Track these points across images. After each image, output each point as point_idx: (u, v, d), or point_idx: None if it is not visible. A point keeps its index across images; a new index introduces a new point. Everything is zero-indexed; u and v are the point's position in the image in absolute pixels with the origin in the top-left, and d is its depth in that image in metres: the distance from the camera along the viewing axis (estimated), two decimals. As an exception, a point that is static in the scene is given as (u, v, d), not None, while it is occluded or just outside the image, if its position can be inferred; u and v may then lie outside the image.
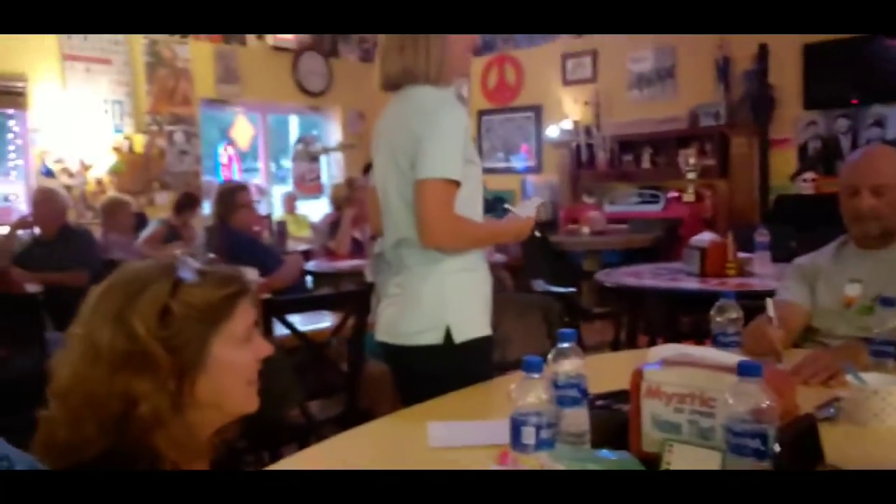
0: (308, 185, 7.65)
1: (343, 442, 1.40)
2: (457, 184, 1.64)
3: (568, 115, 7.04)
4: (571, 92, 7.09)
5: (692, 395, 1.07)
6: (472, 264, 1.74)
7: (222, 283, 1.03)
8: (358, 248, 4.39)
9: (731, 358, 1.09)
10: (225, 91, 6.86)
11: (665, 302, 3.12)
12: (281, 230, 6.04)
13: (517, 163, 7.50)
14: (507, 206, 1.96)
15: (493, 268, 4.41)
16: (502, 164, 7.57)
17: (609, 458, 1.02)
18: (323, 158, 7.76)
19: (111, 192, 5.79)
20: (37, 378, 0.98)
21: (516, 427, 1.00)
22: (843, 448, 1.16)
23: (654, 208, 6.28)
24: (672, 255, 4.90)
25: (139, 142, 6.31)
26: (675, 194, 6.24)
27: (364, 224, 4.35)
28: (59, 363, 0.96)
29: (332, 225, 4.71)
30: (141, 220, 5.59)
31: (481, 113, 7.75)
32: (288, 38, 7.06)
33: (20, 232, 4.34)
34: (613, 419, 1.19)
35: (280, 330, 2.33)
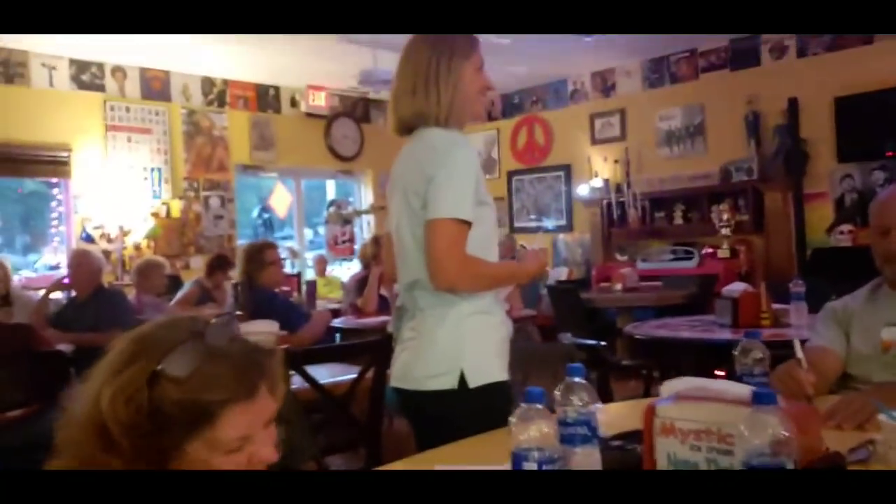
0: (340, 248, 7.73)
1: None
2: (468, 224, 1.62)
3: (597, 173, 7.05)
4: (601, 151, 7.11)
5: (709, 431, 1.01)
6: (487, 307, 1.70)
7: (210, 385, 0.90)
8: (385, 306, 4.37)
9: (748, 389, 1.03)
10: (260, 157, 7.05)
11: (697, 354, 3.01)
12: (311, 290, 6.06)
13: (548, 223, 7.49)
14: (522, 244, 1.93)
15: (522, 322, 4.36)
16: (533, 224, 7.56)
17: None
18: (356, 221, 7.86)
19: (146, 256, 5.91)
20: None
21: (518, 462, 0.95)
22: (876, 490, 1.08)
23: (689, 265, 6.17)
24: (706, 310, 4.78)
25: (176, 207, 6.48)
26: (710, 250, 6.15)
27: (391, 282, 4.36)
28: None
29: (360, 283, 4.72)
30: (175, 283, 5.67)
31: (511, 174, 7.81)
32: (321, 106, 7.25)
33: (59, 294, 4.43)
34: (627, 460, 1.12)
35: (297, 382, 2.30)
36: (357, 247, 7.64)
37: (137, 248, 6.21)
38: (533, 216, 7.64)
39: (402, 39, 1.79)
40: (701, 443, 1.02)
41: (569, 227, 7.40)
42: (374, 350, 2.42)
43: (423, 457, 1.47)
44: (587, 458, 1.08)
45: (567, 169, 7.39)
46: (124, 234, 6.16)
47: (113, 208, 6.07)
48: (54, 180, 6.00)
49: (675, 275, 6.04)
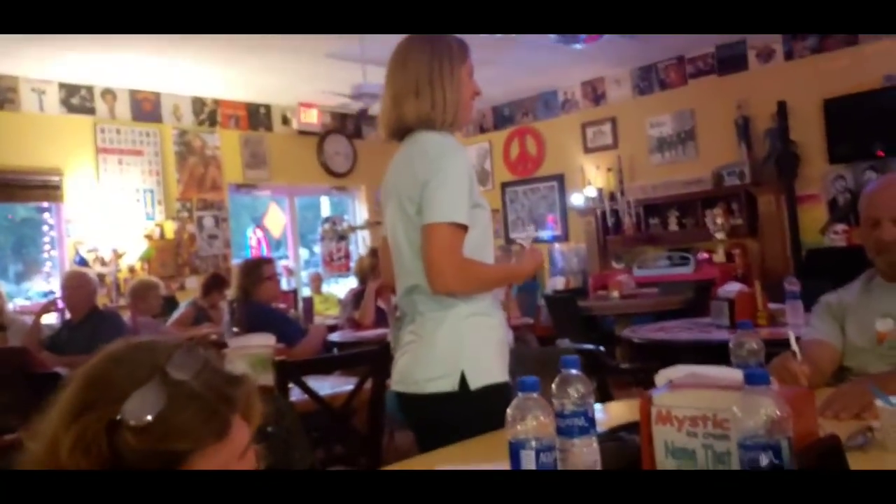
0: (336, 265, 7.72)
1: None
2: (464, 227, 1.62)
3: (591, 182, 7.07)
4: (593, 159, 7.14)
5: (704, 417, 1.00)
6: (485, 309, 1.70)
7: (176, 433, 0.81)
8: (383, 318, 4.36)
9: (740, 374, 1.02)
10: (253, 176, 7.05)
11: (695, 355, 3.01)
12: (307, 307, 6.05)
13: (543, 233, 7.50)
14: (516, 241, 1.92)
15: (520, 330, 4.34)
16: (528, 235, 7.57)
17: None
18: (350, 237, 7.86)
19: (141, 277, 5.89)
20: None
21: (515, 452, 0.94)
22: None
23: (685, 270, 6.18)
24: (703, 315, 4.78)
25: (170, 228, 6.47)
26: (706, 255, 6.16)
27: (388, 294, 4.34)
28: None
29: (357, 296, 4.71)
30: (171, 304, 5.66)
31: (505, 185, 7.83)
32: (313, 123, 7.27)
33: (52, 318, 4.41)
34: (625, 450, 1.12)
35: (296, 394, 2.29)
36: (353, 263, 7.65)
37: (132, 270, 6.19)
38: (528, 227, 7.65)
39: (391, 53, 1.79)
40: (697, 429, 1.01)
41: (564, 237, 7.41)
42: (372, 360, 2.41)
43: (425, 459, 1.47)
44: (585, 449, 1.08)
45: (560, 178, 7.41)
46: (118, 256, 6.15)
47: (106, 231, 6.06)
48: (46, 205, 5.99)
49: (672, 281, 6.05)
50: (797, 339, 1.89)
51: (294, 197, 7.60)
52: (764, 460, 0.85)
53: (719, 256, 6.06)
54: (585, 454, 1.07)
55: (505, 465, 1.33)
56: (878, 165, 5.57)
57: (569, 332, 4.99)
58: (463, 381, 1.62)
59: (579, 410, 1.08)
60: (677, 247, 6.45)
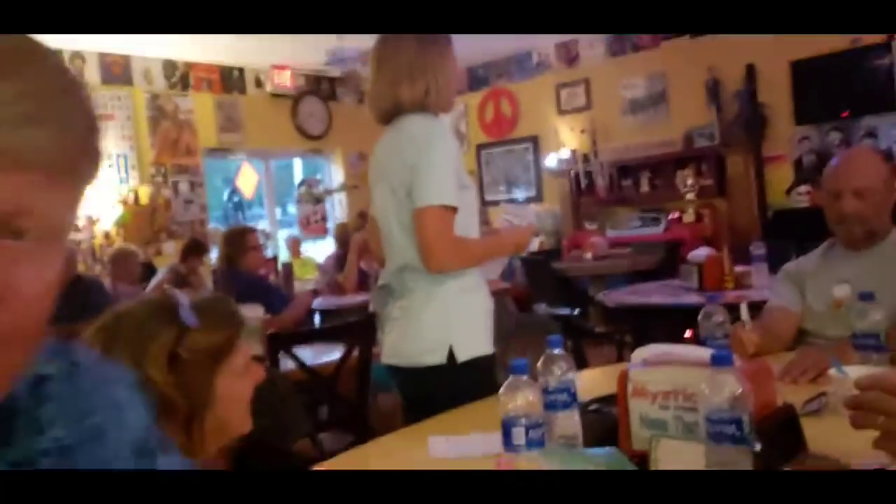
0: (313, 227, 7.76)
1: (347, 460, 1.44)
2: (454, 209, 1.70)
3: (565, 143, 7.15)
4: (567, 121, 7.21)
5: (675, 392, 1.11)
6: (473, 285, 1.80)
7: (222, 324, 1.11)
8: (365, 281, 4.44)
9: (708, 352, 1.13)
10: (227, 139, 7.01)
11: (666, 317, 3.15)
12: (287, 272, 6.11)
13: (518, 194, 7.59)
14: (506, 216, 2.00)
15: (498, 294, 4.46)
16: (504, 196, 7.66)
17: (598, 455, 1.06)
18: (327, 200, 7.88)
19: (119, 244, 5.89)
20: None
21: (507, 428, 1.05)
22: (828, 440, 1.19)
23: (656, 231, 6.33)
24: (675, 275, 4.94)
25: (144, 193, 6.44)
26: (676, 215, 6.31)
27: (370, 256, 4.42)
28: None
29: (339, 259, 4.77)
30: (149, 270, 5.67)
31: (480, 147, 7.87)
32: (286, 85, 7.22)
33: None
34: (604, 421, 1.23)
35: (287, 364, 2.38)
36: (330, 225, 7.69)
37: (107, 236, 6.18)
38: (503, 188, 7.74)
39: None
40: (668, 402, 1.12)
41: (539, 198, 7.51)
42: (358, 330, 2.50)
43: (414, 429, 1.57)
44: (568, 421, 1.19)
45: (535, 140, 7.48)
46: (93, 223, 6.13)
47: (81, 197, 6.02)
48: (19, 172, 5.92)
49: (643, 241, 6.20)
50: (757, 305, 2.03)
51: (269, 160, 7.58)
52: (727, 431, 0.96)
53: (689, 217, 6.21)
54: (568, 426, 1.18)
55: (491, 434, 1.43)
56: (842, 126, 5.72)
57: (544, 293, 5.12)
58: (451, 354, 1.72)
59: (562, 387, 1.19)
60: (649, 207, 6.59)
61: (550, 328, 2.54)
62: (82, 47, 6.05)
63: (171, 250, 6.34)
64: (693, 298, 3.07)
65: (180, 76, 6.73)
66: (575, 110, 7.17)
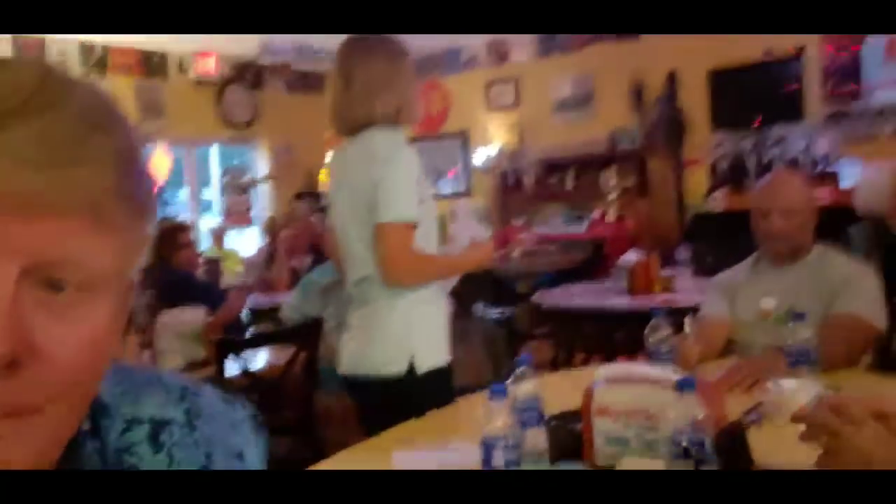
0: (237, 217, 7.60)
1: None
2: (415, 225, 1.73)
3: (494, 139, 7.26)
4: (497, 118, 7.32)
5: (637, 412, 1.20)
6: (432, 295, 1.84)
7: None
8: (297, 279, 4.40)
9: (668, 374, 1.22)
10: (148, 127, 6.77)
11: (598, 320, 3.29)
12: (215, 268, 5.98)
13: (445, 188, 7.65)
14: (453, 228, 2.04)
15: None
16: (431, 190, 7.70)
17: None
18: (252, 190, 7.73)
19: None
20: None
21: (487, 450, 1.10)
22: (769, 452, 1.30)
23: (580, 229, 6.54)
24: (600, 273, 5.13)
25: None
26: (599, 215, 6.53)
27: (301, 253, 4.39)
28: None
29: (267, 255, 4.71)
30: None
31: (409, 140, 7.87)
32: (210, 72, 7.03)
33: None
34: (568, 437, 1.30)
35: (232, 369, 2.36)
36: (253, 213, 7.54)
37: (20, 225, 5.88)
38: (431, 181, 7.77)
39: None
40: (630, 421, 1.21)
41: (467, 194, 7.60)
42: (306, 334, 2.50)
43: (378, 440, 1.60)
44: (536, 437, 1.25)
45: (465, 135, 7.56)
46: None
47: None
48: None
49: (568, 239, 6.39)
50: (682, 311, 2.16)
51: (193, 148, 7.37)
52: (691, 451, 1.04)
53: (612, 216, 6.44)
54: (537, 442, 1.25)
55: (457, 447, 1.48)
56: (754, 134, 6.05)
57: (473, 289, 5.20)
58: (411, 365, 1.76)
59: (531, 405, 1.25)
60: (574, 205, 6.79)
61: (493, 335, 2.62)
62: (-8, 25, 5.71)
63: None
64: (624, 302, 3.21)
65: (97, 60, 6.45)
66: (504, 107, 7.29)
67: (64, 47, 6.22)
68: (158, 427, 0.56)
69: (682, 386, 1.07)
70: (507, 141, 7.19)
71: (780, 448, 1.36)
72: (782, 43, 5.79)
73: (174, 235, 3.41)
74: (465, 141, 7.56)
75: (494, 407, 1.11)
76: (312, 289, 2.96)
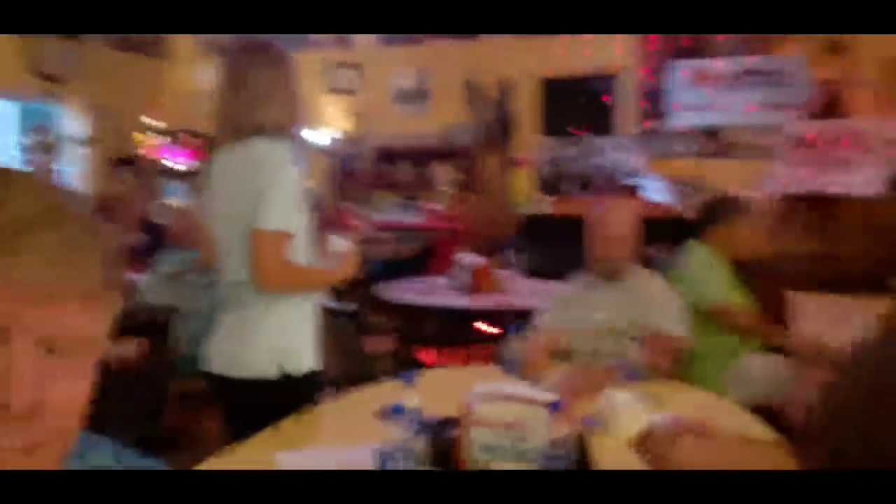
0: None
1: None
2: (290, 236, 1.79)
3: (331, 123, 7.27)
4: (335, 101, 7.32)
5: (511, 424, 1.38)
6: (306, 301, 1.90)
7: None
8: (136, 258, 4.18)
9: (538, 393, 1.42)
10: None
11: (439, 315, 3.50)
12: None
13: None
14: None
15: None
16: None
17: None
18: (62, 151, 7.12)
19: None
20: None
21: (384, 461, 1.23)
22: (612, 456, 1.51)
23: (413, 219, 6.75)
24: (432, 265, 5.36)
25: None
26: (432, 207, 6.78)
27: (134, 229, 4.20)
28: None
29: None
30: None
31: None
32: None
33: None
34: (444, 444, 1.46)
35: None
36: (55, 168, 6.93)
37: None
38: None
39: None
40: (505, 432, 1.39)
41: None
42: (159, 328, 2.45)
43: (255, 442, 1.65)
44: (419, 443, 1.40)
45: (301, 116, 7.47)
46: None
47: None
48: None
49: (401, 228, 6.58)
50: (522, 314, 2.41)
51: (-3, 101, 6.65)
52: (559, 461, 1.25)
53: (446, 209, 6.71)
54: (420, 446, 1.40)
55: (343, 448, 1.58)
56: (577, 142, 6.59)
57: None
58: (283, 368, 1.82)
59: (414, 415, 1.40)
60: (407, 195, 7.00)
61: (343, 329, 2.72)
62: None
63: None
64: (465, 301, 3.44)
65: None
66: (344, 91, 7.30)
67: None
68: None
69: (554, 407, 1.26)
70: (346, 126, 7.23)
71: (620, 453, 1.60)
72: (612, 61, 6.32)
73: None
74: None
75: (394, 419, 1.24)
76: (161, 278, 2.87)
